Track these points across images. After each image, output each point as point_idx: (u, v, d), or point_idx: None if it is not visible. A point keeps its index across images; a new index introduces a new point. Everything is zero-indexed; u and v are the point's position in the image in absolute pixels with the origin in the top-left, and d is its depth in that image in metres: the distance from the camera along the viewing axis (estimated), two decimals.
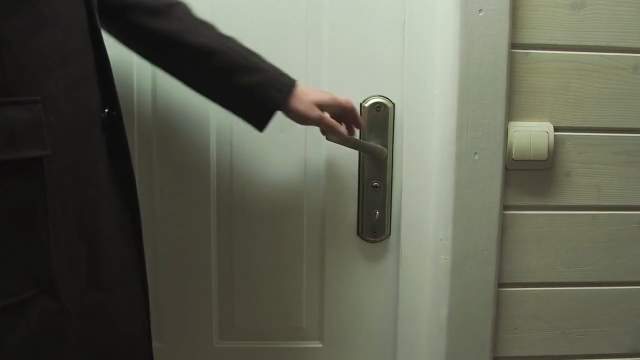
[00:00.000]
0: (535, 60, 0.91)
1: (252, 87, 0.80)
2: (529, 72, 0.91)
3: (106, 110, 0.68)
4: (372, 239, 1.01)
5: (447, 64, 0.91)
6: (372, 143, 0.96)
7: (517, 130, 0.92)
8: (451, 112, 0.91)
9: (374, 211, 0.99)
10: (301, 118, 0.83)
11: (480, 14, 0.88)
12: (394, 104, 0.98)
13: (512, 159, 0.92)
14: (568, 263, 0.96)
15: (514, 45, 0.90)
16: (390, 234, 1.01)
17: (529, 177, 0.94)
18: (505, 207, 0.94)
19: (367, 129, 0.96)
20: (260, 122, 0.84)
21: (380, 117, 0.97)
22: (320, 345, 1.05)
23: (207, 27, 0.81)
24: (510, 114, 0.92)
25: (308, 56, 0.96)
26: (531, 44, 0.91)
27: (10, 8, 0.55)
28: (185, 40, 0.78)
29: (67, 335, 0.62)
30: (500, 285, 0.97)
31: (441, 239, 0.95)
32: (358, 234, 1.01)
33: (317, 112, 0.84)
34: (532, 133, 0.92)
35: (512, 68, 0.91)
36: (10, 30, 0.56)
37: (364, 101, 0.97)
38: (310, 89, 0.85)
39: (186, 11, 0.81)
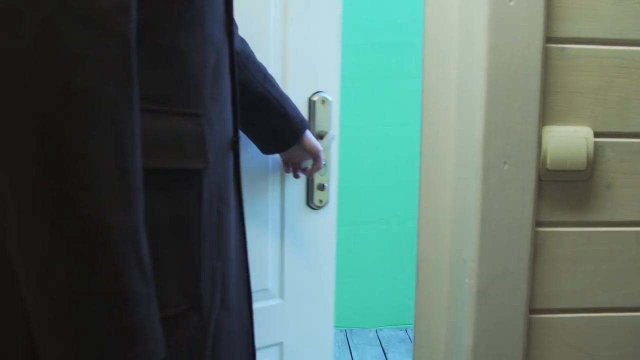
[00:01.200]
0: (573, 56, 0.80)
1: (278, 131, 1.03)
2: (566, 69, 0.80)
3: (234, 135, 0.73)
4: (317, 207, 1.20)
5: (472, 61, 0.80)
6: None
7: (552, 135, 0.81)
8: (478, 116, 0.80)
9: (321, 184, 1.20)
10: (310, 147, 1.05)
11: (511, 3, 0.77)
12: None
13: (546, 168, 0.81)
14: (608, 286, 0.85)
15: (548, 39, 0.79)
16: (329, 201, 1.22)
17: (565, 189, 0.83)
18: (538, 224, 0.83)
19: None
20: (270, 152, 1.08)
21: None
22: (281, 301, 1.20)
23: (273, 80, 1.02)
24: (545, 117, 0.81)
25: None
26: (568, 38, 0.80)
27: (189, 25, 0.61)
28: (270, 100, 1.00)
29: (205, 354, 0.64)
30: (532, 311, 0.86)
31: (465, 260, 0.84)
32: (307, 204, 1.20)
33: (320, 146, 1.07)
34: (568, 139, 0.81)
35: (546, 65, 0.80)
36: (186, 45, 0.61)
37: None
38: (308, 132, 1.05)
39: (269, 75, 1.02)
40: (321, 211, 1.21)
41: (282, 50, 1.11)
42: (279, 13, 1.10)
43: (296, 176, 1.12)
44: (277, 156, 1.12)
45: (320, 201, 1.19)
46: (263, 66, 1.01)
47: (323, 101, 1.15)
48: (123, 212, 0.47)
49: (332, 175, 1.21)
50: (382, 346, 2.81)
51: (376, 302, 2.99)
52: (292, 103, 1.02)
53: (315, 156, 1.07)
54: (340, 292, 2.98)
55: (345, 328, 2.98)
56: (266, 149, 1.07)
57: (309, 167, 1.10)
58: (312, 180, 1.18)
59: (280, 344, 1.22)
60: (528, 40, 0.78)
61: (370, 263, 3.01)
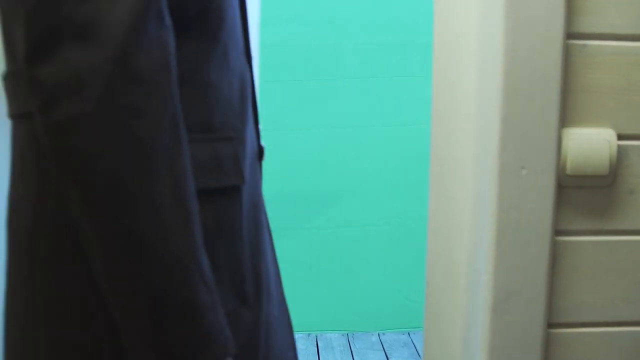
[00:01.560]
0: (594, 53, 0.75)
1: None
2: (587, 67, 0.75)
3: (261, 144, 0.83)
4: None
5: (487, 58, 0.75)
6: None
7: (573, 138, 0.75)
8: (493, 118, 0.74)
9: None
10: None
11: None
12: None
13: (566, 174, 0.76)
14: (631, 299, 0.80)
15: (569, 35, 0.74)
16: None
17: (586, 196, 0.78)
18: (558, 233, 0.78)
19: None
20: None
21: None
22: None
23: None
24: (565, 119, 0.75)
25: None
26: (589, 34, 0.74)
27: (217, 59, 0.69)
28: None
29: (260, 345, 0.74)
30: (551, 325, 0.80)
31: (479, 272, 0.79)
32: None
33: None
34: (590, 142, 0.75)
35: (566, 63, 0.74)
36: (216, 77, 0.69)
37: None
38: None
39: None
40: None
41: None
42: None
43: None
44: None
45: None
46: None
47: None
48: (186, 240, 0.57)
49: None
50: (384, 351, 2.76)
51: (378, 305, 2.94)
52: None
53: None
54: (341, 295, 2.94)
55: (347, 332, 2.93)
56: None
57: None
58: None
59: None
60: (547, 36, 0.73)
61: (372, 265, 2.96)
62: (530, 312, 0.79)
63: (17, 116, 0.66)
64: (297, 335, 2.90)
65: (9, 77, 0.67)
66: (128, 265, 0.55)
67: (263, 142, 0.84)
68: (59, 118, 0.53)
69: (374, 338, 2.88)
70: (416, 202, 2.93)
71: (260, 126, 0.86)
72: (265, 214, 0.84)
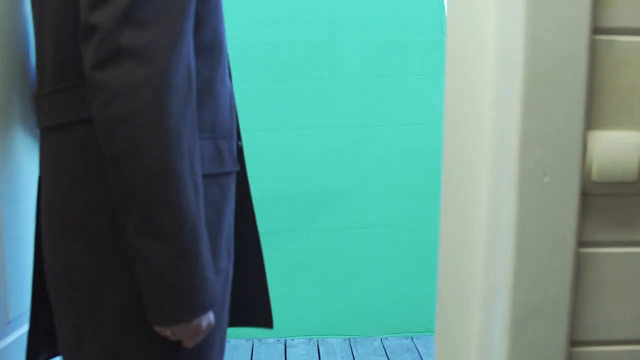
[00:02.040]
0: (623, 50, 0.69)
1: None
2: (615, 65, 0.69)
3: (239, 142, 1.04)
4: None
5: (506, 54, 0.69)
6: None
7: (599, 142, 0.69)
8: (513, 120, 0.68)
9: None
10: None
11: None
12: None
13: (592, 180, 0.70)
14: None
15: (596, 29, 0.68)
16: None
17: (613, 204, 0.72)
18: (582, 244, 0.72)
19: None
20: None
21: None
22: None
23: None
24: (590, 121, 0.70)
25: None
26: (618, 28, 0.68)
27: (219, 79, 0.92)
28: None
29: (229, 288, 0.99)
30: (573, 343, 0.74)
31: (497, 286, 0.73)
32: None
33: None
34: (618, 146, 0.70)
35: (593, 60, 0.68)
36: (218, 93, 0.91)
37: None
38: None
39: None
40: None
41: None
42: None
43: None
44: None
45: None
46: None
47: None
48: (198, 207, 0.79)
49: None
50: (387, 356, 2.70)
51: (381, 309, 2.89)
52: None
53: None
54: (343, 299, 2.88)
55: (349, 337, 2.87)
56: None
57: None
58: None
59: None
60: (573, 31, 0.67)
61: (374, 268, 2.90)
62: (551, 330, 0.73)
63: (64, 125, 0.84)
64: (298, 340, 2.86)
65: (59, 93, 0.85)
66: (159, 223, 0.76)
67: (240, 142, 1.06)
68: (119, 112, 0.73)
69: (377, 343, 2.83)
70: (419, 203, 2.87)
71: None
72: (248, 192, 1.14)
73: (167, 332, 0.82)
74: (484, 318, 0.76)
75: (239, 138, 1.04)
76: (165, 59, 0.73)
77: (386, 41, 2.86)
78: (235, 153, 0.97)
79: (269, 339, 2.85)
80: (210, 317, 0.84)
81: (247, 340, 2.84)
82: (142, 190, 0.74)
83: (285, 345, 2.82)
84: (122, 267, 0.82)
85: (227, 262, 0.95)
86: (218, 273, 0.90)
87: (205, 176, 0.84)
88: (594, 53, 0.68)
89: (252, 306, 1.12)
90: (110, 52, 0.72)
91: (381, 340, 2.85)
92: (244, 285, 1.07)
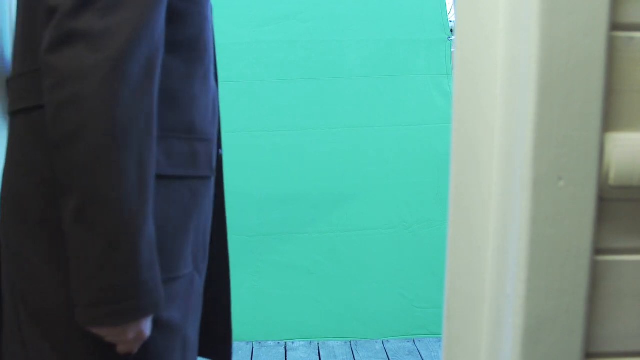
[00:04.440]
0: None
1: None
2: (634, 63, 0.65)
3: (220, 150, 1.01)
4: None
5: (519, 52, 0.65)
6: None
7: (617, 145, 0.66)
8: (526, 121, 0.65)
9: None
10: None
11: None
12: None
13: (609, 185, 0.67)
14: None
15: (614, 25, 0.64)
16: None
17: (632, 210, 0.68)
18: (598, 252, 0.69)
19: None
20: None
21: None
22: None
23: None
24: (608, 122, 0.66)
25: None
26: (637, 24, 0.65)
27: (200, 79, 0.89)
28: None
29: (201, 295, 0.95)
30: (589, 355, 0.71)
31: (508, 295, 0.69)
32: None
33: None
34: (636, 149, 0.66)
35: (611, 58, 0.65)
36: (199, 93, 0.89)
37: None
38: None
39: None
40: None
41: None
42: None
43: None
44: None
45: None
46: None
47: None
48: (140, 205, 0.74)
49: None
50: (389, 359, 2.67)
51: (382, 312, 2.85)
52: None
53: None
54: (344, 302, 2.85)
55: (350, 339, 2.84)
56: None
57: None
58: None
59: None
60: (590, 27, 0.63)
61: (375, 270, 2.87)
62: (566, 341, 0.69)
63: (25, 110, 0.82)
64: (299, 343, 2.82)
65: (23, 77, 0.84)
66: (92, 213, 0.72)
67: (221, 151, 1.04)
68: (65, 95, 0.70)
69: (378, 346, 2.79)
70: (421, 205, 2.84)
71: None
72: (222, 201, 1.07)
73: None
74: (494, 328, 0.72)
75: (219, 146, 1.00)
76: (121, 47, 0.70)
77: (388, 40, 2.83)
78: (214, 158, 0.93)
79: (269, 342, 2.82)
80: (142, 326, 0.77)
81: (247, 343, 2.81)
82: (80, 178, 0.71)
83: (285, 348, 2.78)
84: (62, 256, 0.77)
85: (192, 269, 0.90)
86: (176, 279, 0.86)
87: (173, 177, 0.83)
88: (612, 50, 0.65)
89: (210, 333, 1.02)
90: (64, 35, 0.70)
91: (382, 343, 2.81)
92: (205, 307, 0.98)
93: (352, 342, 2.81)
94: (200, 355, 1.01)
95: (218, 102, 0.96)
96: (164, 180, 0.82)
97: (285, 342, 2.82)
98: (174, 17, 0.80)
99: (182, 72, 0.84)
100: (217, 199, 1.01)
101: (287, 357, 2.69)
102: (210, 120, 0.91)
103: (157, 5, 0.74)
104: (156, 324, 0.81)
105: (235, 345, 2.78)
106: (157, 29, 0.74)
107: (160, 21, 0.75)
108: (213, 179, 0.94)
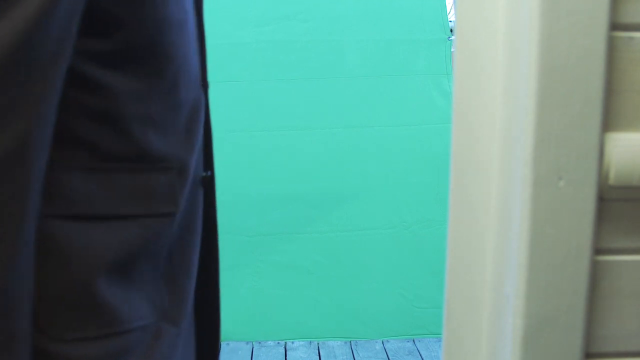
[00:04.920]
0: None
1: None
2: (634, 63, 0.65)
3: (208, 172, 0.84)
4: None
5: (518, 52, 0.65)
6: None
7: (617, 145, 0.66)
8: (526, 121, 0.65)
9: None
10: None
11: None
12: None
13: (609, 184, 0.67)
14: None
15: (614, 25, 0.64)
16: None
17: (632, 210, 0.68)
18: (598, 252, 0.69)
19: None
20: None
21: None
22: None
23: None
24: (608, 122, 0.66)
25: None
26: (637, 24, 0.65)
27: (165, 92, 0.71)
28: None
29: (181, 346, 0.81)
30: (589, 355, 0.71)
31: (507, 296, 0.69)
32: None
33: None
34: (636, 149, 0.66)
35: (611, 58, 0.65)
36: (160, 109, 0.71)
37: None
38: None
39: None
40: None
41: None
42: None
43: None
44: None
45: None
46: None
47: None
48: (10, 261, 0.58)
49: None
50: (389, 359, 2.67)
51: (382, 312, 2.85)
52: None
53: None
54: (344, 302, 2.85)
55: (349, 339, 2.84)
56: None
57: None
58: None
59: None
60: (590, 27, 0.63)
61: (375, 270, 2.87)
62: (566, 342, 0.70)
63: None
64: (298, 343, 2.82)
65: None
66: None
67: (209, 171, 0.85)
68: None
69: (378, 346, 2.79)
70: (421, 205, 2.84)
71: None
72: (199, 235, 0.86)
73: None
74: (494, 328, 0.72)
75: (208, 168, 0.85)
76: None
77: (388, 40, 2.83)
78: (182, 190, 0.77)
79: (269, 342, 2.82)
80: None
81: (247, 343, 2.81)
82: None
83: (285, 348, 2.78)
84: None
85: (154, 319, 0.76)
86: (123, 334, 0.73)
87: (113, 217, 0.69)
88: (612, 50, 0.65)
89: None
90: None
91: (382, 343, 2.81)
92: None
93: (352, 342, 2.81)
94: None
95: (200, 117, 0.80)
96: (98, 221, 0.69)
97: (285, 342, 2.82)
98: (108, 23, 0.65)
99: (128, 91, 0.70)
100: (208, 226, 0.87)
101: (287, 357, 2.69)
102: (181, 143, 0.76)
103: (54, 11, 0.57)
104: None
105: (235, 345, 2.78)
106: (49, 33, 0.58)
107: (63, 26, 0.59)
108: (179, 214, 0.77)
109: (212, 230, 0.89)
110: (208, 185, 0.86)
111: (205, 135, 0.83)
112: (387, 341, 2.82)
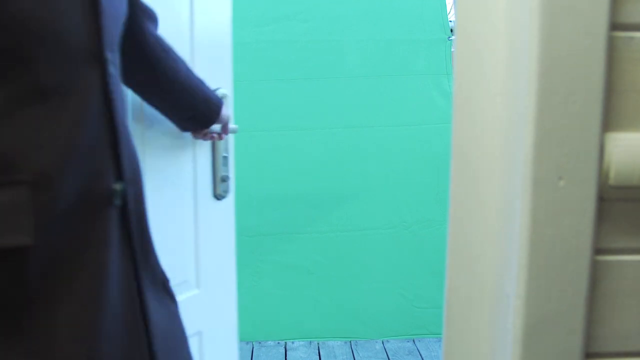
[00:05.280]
0: None
1: (201, 112, 1.14)
2: (634, 63, 0.65)
3: (121, 184, 0.68)
4: (221, 197, 1.34)
5: (518, 52, 0.65)
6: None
7: (617, 145, 0.66)
8: (526, 121, 0.65)
9: (223, 176, 1.34)
10: (223, 119, 1.21)
11: None
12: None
13: (609, 184, 0.67)
14: None
15: (614, 25, 0.64)
16: (229, 191, 1.36)
17: (632, 210, 0.68)
18: (598, 251, 0.68)
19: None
20: (193, 130, 1.20)
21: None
22: (198, 291, 1.32)
23: (184, 63, 1.08)
24: (608, 122, 0.66)
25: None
26: (637, 24, 0.65)
27: (18, 87, 0.54)
28: (194, 87, 1.09)
29: None
30: (589, 355, 0.71)
31: (508, 296, 0.69)
32: (213, 195, 1.33)
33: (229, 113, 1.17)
34: (637, 149, 0.66)
35: (611, 58, 0.65)
36: (9, 102, 0.54)
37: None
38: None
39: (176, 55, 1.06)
40: (224, 201, 1.35)
41: (190, 49, 1.22)
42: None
43: (212, 138, 1.27)
44: (189, 150, 1.25)
45: (225, 191, 1.34)
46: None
47: (223, 97, 1.28)
48: None
49: (231, 167, 1.36)
50: (389, 359, 2.66)
51: (382, 312, 2.85)
52: (206, 84, 1.14)
53: (224, 123, 1.24)
54: (344, 302, 2.85)
55: (350, 339, 2.84)
56: (188, 128, 1.18)
57: (215, 134, 1.25)
58: (216, 173, 1.33)
59: (199, 333, 1.32)
60: (590, 27, 0.63)
61: (375, 270, 2.87)
62: (566, 341, 0.69)
63: None
64: (298, 343, 2.82)
65: None
66: None
67: (119, 185, 0.68)
68: None
69: (378, 346, 2.79)
70: (421, 205, 2.84)
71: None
72: (133, 263, 0.73)
73: None
74: (494, 328, 0.72)
75: (119, 178, 0.69)
76: None
77: (388, 40, 2.82)
78: (47, 213, 0.60)
79: (269, 342, 2.82)
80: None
81: (247, 343, 2.80)
82: None
83: (285, 348, 2.78)
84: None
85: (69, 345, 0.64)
86: None
87: None
88: (612, 50, 0.65)
89: None
90: None
91: (382, 343, 2.81)
92: None
93: (352, 342, 2.81)
94: None
95: (85, 103, 0.64)
96: None
97: (285, 342, 2.81)
98: None
99: None
100: (126, 256, 0.73)
101: (287, 357, 2.69)
102: (49, 145, 0.59)
103: None
104: None
105: None
106: None
107: None
108: (41, 246, 0.60)
109: (130, 251, 0.72)
110: (130, 202, 0.69)
111: (112, 131, 0.65)
112: (387, 341, 2.82)
